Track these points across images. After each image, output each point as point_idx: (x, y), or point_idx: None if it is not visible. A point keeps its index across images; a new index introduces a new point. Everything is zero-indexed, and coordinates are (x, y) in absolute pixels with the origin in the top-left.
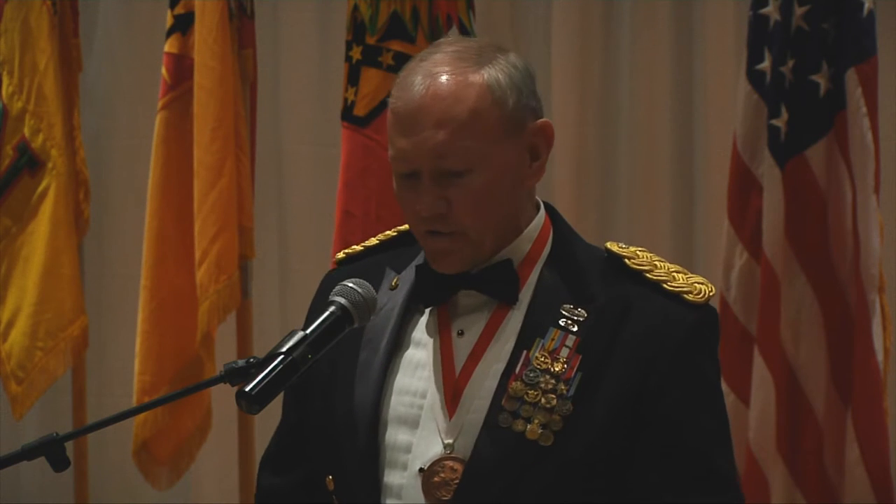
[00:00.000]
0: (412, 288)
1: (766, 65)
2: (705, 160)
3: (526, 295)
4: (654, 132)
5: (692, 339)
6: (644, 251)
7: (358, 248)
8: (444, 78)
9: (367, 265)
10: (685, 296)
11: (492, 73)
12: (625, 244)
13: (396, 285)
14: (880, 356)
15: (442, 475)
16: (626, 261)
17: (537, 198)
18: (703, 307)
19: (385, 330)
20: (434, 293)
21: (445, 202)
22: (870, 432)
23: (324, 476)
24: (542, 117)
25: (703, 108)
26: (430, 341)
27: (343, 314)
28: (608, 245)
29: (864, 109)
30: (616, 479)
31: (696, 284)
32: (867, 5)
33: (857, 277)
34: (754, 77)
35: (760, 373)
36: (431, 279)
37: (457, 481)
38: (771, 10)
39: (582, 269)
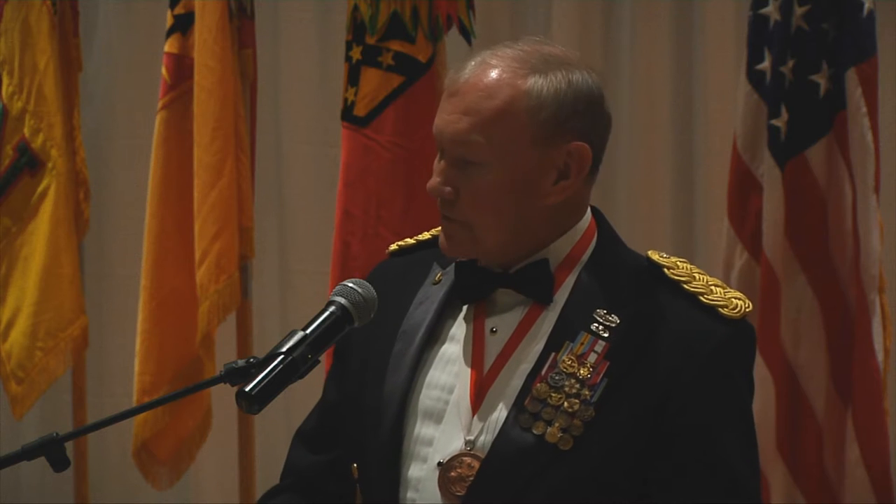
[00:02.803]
0: (453, 284)
1: (766, 65)
2: (705, 160)
3: (562, 297)
4: (654, 132)
5: (720, 354)
6: (685, 262)
7: (410, 241)
8: (490, 71)
9: (416, 259)
10: (720, 310)
11: (537, 82)
12: (666, 254)
13: (439, 280)
14: (880, 356)
15: (459, 470)
16: (665, 270)
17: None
18: (737, 323)
19: (422, 323)
20: (472, 290)
21: (454, 189)
22: (870, 432)
23: (350, 464)
24: (590, 142)
25: (703, 108)
26: (464, 337)
27: (343, 314)
28: (649, 253)
29: (865, 109)
30: (632, 488)
31: (732, 299)
32: (867, 5)
33: (857, 277)
34: (754, 77)
35: (760, 373)
36: (470, 276)
37: (472, 478)
38: (771, 10)
39: (620, 276)
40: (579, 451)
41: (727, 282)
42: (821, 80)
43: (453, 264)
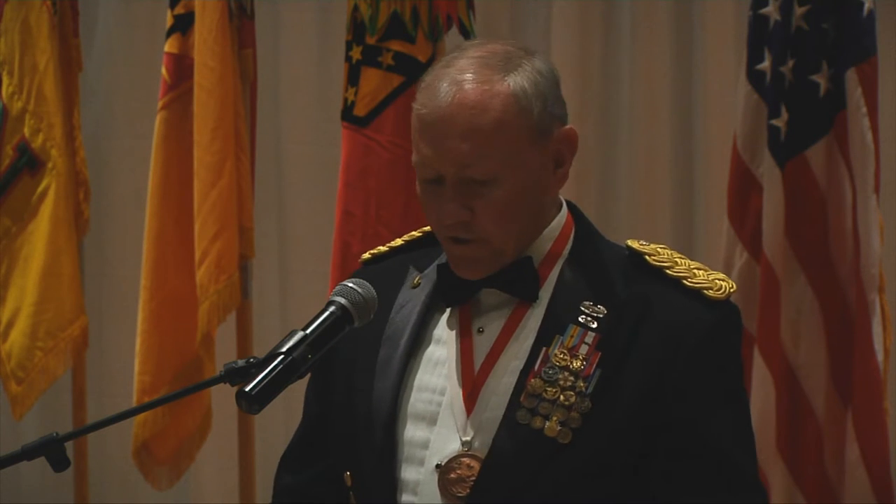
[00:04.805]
0: (434, 286)
1: (766, 65)
2: (705, 160)
3: (546, 292)
4: (654, 132)
5: (711, 338)
6: (665, 248)
7: (383, 248)
8: (469, 86)
9: (391, 265)
10: (705, 292)
11: (517, 81)
12: (645, 241)
13: (419, 283)
14: (880, 356)
15: (458, 472)
16: (647, 258)
17: (560, 196)
18: (723, 304)
19: (405, 327)
20: (455, 293)
21: (469, 210)
22: (870, 432)
23: (342, 472)
24: (567, 123)
25: (703, 108)
26: (450, 339)
27: (343, 314)
28: (629, 242)
29: (864, 109)
30: (634, 477)
31: (716, 281)
32: (867, 5)
33: (857, 277)
34: (754, 77)
35: (760, 373)
36: (453, 279)
37: (473, 478)
38: (771, 10)
39: (603, 267)
40: (579, 443)
41: None
42: (821, 80)
43: (434, 266)
